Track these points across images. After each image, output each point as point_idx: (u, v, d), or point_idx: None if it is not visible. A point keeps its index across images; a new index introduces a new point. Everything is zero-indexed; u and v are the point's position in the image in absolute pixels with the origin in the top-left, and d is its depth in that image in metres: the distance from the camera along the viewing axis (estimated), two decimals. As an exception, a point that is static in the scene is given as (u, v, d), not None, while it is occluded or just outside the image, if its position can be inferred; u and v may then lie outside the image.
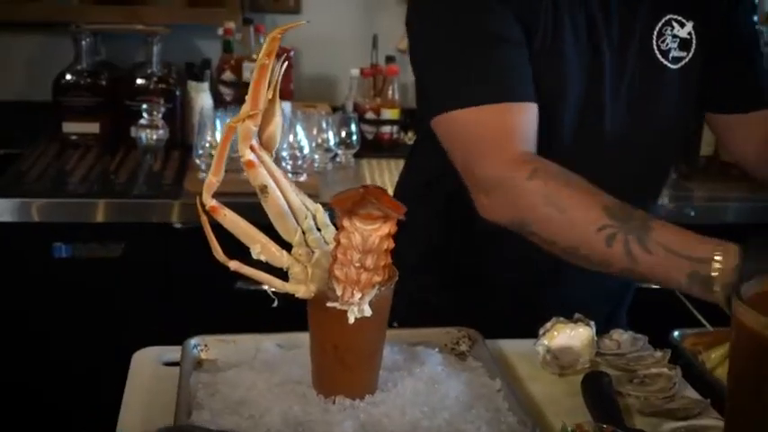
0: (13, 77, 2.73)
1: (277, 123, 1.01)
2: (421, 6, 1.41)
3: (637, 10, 1.44)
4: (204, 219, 0.98)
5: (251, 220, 1.00)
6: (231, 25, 2.57)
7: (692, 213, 2.33)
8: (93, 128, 2.49)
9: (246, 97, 0.96)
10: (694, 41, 1.47)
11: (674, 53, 1.46)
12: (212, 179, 0.98)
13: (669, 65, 1.46)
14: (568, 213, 1.21)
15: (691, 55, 1.47)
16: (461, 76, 1.34)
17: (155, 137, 2.38)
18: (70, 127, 2.49)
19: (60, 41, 2.60)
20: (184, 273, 2.14)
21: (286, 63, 0.97)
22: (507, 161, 1.27)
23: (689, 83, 1.49)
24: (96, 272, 2.17)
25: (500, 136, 1.30)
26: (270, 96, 0.98)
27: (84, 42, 2.49)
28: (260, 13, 2.73)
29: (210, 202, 0.98)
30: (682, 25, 1.46)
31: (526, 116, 1.32)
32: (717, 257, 1.12)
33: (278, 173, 1.01)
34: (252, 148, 0.98)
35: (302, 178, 2.19)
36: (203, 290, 2.09)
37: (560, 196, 1.22)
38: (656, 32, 1.45)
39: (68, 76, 2.49)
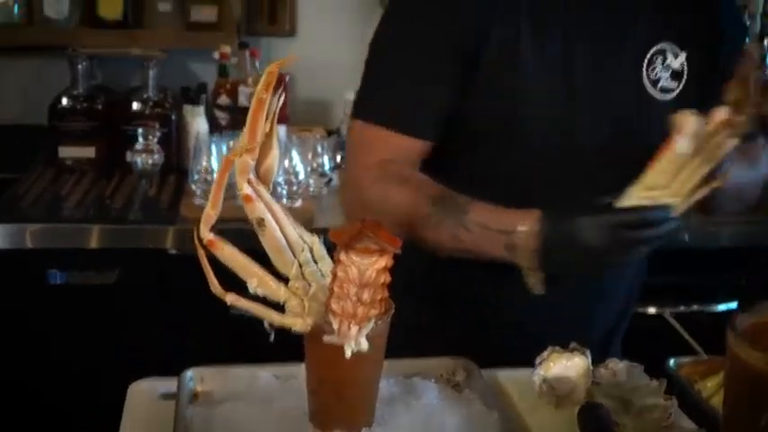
0: (10, 101, 2.72)
1: (274, 156, 1.01)
2: (382, 18, 1.46)
3: (627, 33, 1.44)
4: (201, 252, 0.98)
5: (247, 246, 1.01)
6: (227, 49, 2.58)
7: (686, 238, 2.33)
8: (88, 152, 2.49)
9: (244, 130, 0.97)
10: (686, 73, 1.46)
11: (663, 83, 1.44)
12: (210, 212, 0.98)
13: (658, 95, 1.44)
14: (401, 208, 1.33)
15: (681, 86, 1.45)
16: (378, 93, 1.44)
17: (150, 161, 2.38)
18: (66, 151, 2.49)
19: (57, 65, 2.60)
20: (179, 299, 2.14)
21: (283, 96, 0.97)
22: (363, 165, 1.40)
23: None
24: (91, 298, 2.17)
25: (374, 153, 1.40)
26: (267, 129, 0.98)
27: (80, 67, 2.49)
28: (255, 37, 2.74)
29: (208, 236, 0.98)
30: (675, 55, 1.45)
31: (410, 150, 1.41)
32: (520, 228, 1.26)
33: (275, 206, 1.01)
34: (249, 182, 0.98)
35: (298, 203, 2.19)
36: (199, 316, 2.09)
37: (393, 194, 1.35)
38: (646, 60, 1.44)
39: (65, 101, 2.49)
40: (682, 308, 2.31)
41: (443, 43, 1.38)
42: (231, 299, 0.99)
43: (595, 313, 1.55)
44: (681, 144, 1.20)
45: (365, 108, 1.43)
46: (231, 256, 1.00)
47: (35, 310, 2.18)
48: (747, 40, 1.67)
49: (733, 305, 2.37)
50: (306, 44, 2.76)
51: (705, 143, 1.20)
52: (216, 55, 2.59)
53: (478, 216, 1.29)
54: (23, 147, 2.58)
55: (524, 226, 1.25)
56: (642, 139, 1.40)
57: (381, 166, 1.38)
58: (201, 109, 2.51)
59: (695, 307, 2.35)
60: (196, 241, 0.98)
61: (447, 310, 1.54)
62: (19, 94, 2.73)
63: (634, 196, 1.23)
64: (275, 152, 1.01)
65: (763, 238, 2.39)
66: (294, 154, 2.22)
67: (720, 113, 1.21)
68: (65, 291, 2.16)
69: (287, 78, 2.63)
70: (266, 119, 0.97)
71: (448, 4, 1.39)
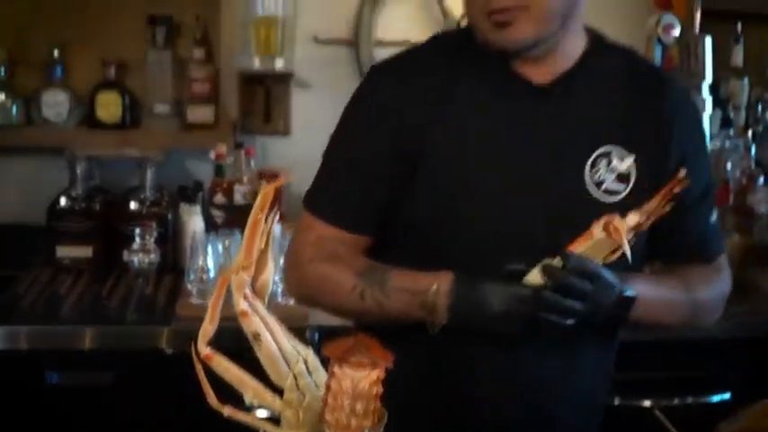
0: (9, 201, 2.76)
1: (269, 271, 1.05)
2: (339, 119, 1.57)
3: (571, 135, 1.47)
4: (199, 366, 1.01)
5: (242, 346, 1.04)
6: (223, 149, 2.63)
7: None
8: (86, 252, 2.52)
9: (240, 248, 1.01)
10: (634, 176, 1.47)
11: (608, 185, 1.46)
12: (207, 327, 1.02)
13: (601, 197, 1.46)
14: (332, 284, 1.46)
15: (628, 190, 1.46)
16: (323, 188, 1.55)
17: (147, 261, 2.42)
18: (64, 251, 2.52)
19: (55, 166, 2.65)
20: (176, 398, 2.14)
21: (278, 215, 1.02)
22: (301, 243, 1.52)
23: None
24: (87, 400, 2.17)
25: (306, 237, 1.52)
26: (262, 246, 1.02)
27: (79, 168, 2.54)
28: (251, 136, 2.80)
29: (205, 350, 1.02)
30: (622, 158, 1.47)
31: (348, 243, 1.50)
32: (433, 287, 1.38)
33: (270, 319, 1.05)
34: (246, 297, 1.02)
35: (292, 301, 2.21)
36: (195, 416, 2.09)
37: (325, 270, 1.48)
38: (589, 162, 1.46)
39: (63, 202, 2.54)
40: (675, 401, 2.32)
41: (383, 145, 1.48)
42: (228, 411, 1.02)
43: (555, 413, 1.54)
44: (598, 231, 1.31)
45: (311, 200, 1.55)
46: (227, 369, 1.03)
47: (32, 411, 2.18)
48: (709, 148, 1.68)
49: (726, 396, 2.38)
50: (300, 143, 2.82)
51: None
52: (212, 154, 2.64)
53: (398, 281, 1.42)
54: (22, 246, 2.61)
55: (437, 285, 1.38)
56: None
57: (317, 244, 1.49)
58: (198, 208, 2.56)
59: (689, 399, 2.35)
60: (194, 355, 1.01)
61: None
62: (18, 193, 2.77)
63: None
64: (270, 268, 1.05)
65: (754, 328, 2.41)
66: (289, 252, 2.25)
67: (634, 218, 1.30)
68: (62, 392, 2.16)
69: (282, 179, 2.68)
70: (261, 236, 1.01)
71: (386, 109, 1.49)
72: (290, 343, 1.05)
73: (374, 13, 2.86)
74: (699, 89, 2.51)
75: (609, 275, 1.35)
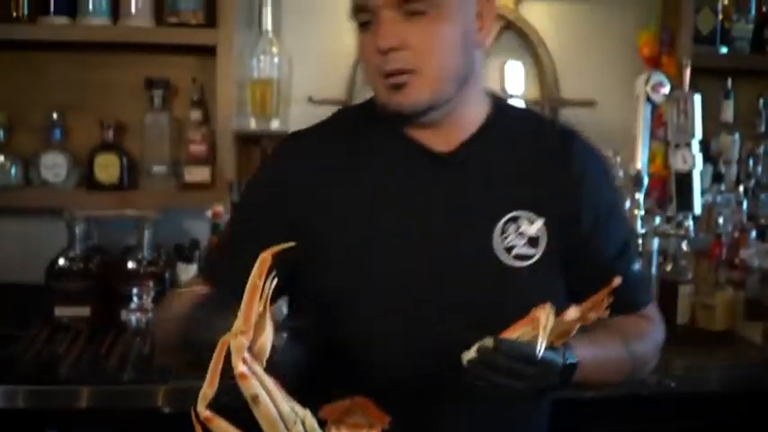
0: (8, 261, 2.78)
1: (267, 335, 1.08)
2: None
3: (478, 203, 1.47)
4: (198, 429, 1.03)
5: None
6: (220, 208, 2.65)
7: (673, 384, 2.36)
8: (84, 311, 2.54)
9: (239, 313, 1.03)
10: (544, 239, 1.47)
11: (519, 250, 1.45)
12: (207, 390, 1.04)
13: (512, 262, 1.45)
14: (170, 316, 1.41)
15: (540, 253, 1.46)
16: (216, 252, 1.63)
17: (144, 320, 2.44)
18: (62, 311, 2.53)
19: (54, 227, 2.67)
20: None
21: (275, 280, 1.04)
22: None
23: (540, 282, 1.47)
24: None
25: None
26: (261, 310, 1.05)
27: (77, 228, 2.57)
28: (247, 195, 2.83)
29: (205, 413, 1.04)
30: (531, 222, 1.46)
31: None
32: None
33: (268, 381, 1.07)
34: (244, 361, 1.04)
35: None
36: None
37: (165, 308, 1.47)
38: (497, 228, 1.45)
39: (61, 262, 2.56)
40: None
41: (274, 219, 1.48)
42: (227, 473, 1.04)
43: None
44: (542, 315, 1.25)
45: (204, 265, 1.63)
46: (227, 431, 1.05)
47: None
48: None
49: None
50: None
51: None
52: (209, 214, 2.66)
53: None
54: (21, 305, 2.62)
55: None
56: (495, 303, 1.43)
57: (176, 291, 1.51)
58: (194, 266, 2.58)
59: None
60: (193, 418, 1.03)
61: None
62: (17, 253, 2.78)
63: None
64: (269, 331, 1.07)
65: (748, 381, 2.42)
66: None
67: (572, 313, 1.25)
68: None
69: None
70: (259, 300, 1.04)
71: (283, 185, 1.49)
72: (287, 404, 1.07)
73: (368, 75, 2.90)
74: (689, 146, 2.54)
75: (550, 355, 1.28)
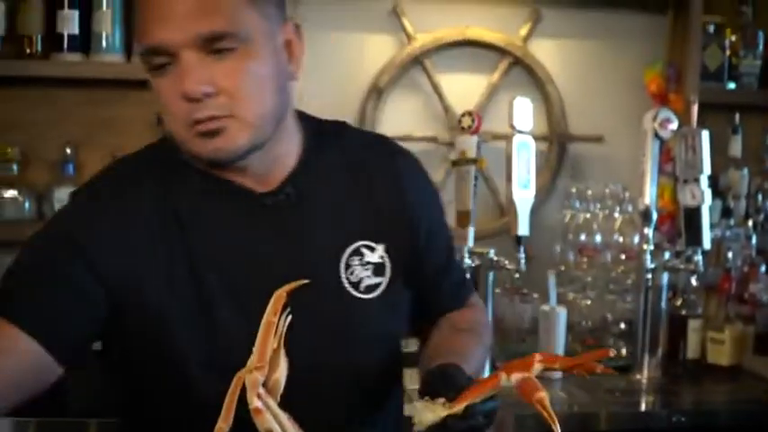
0: None
1: (282, 371, 1.09)
2: None
3: (312, 241, 1.39)
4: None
5: None
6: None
7: (683, 419, 2.36)
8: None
9: (254, 350, 1.05)
10: (388, 264, 1.43)
11: (367, 281, 1.41)
12: (222, 425, 1.06)
13: (363, 295, 1.41)
14: None
15: (387, 279, 1.43)
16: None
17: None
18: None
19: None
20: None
21: (289, 318, 1.06)
22: None
23: (391, 306, 1.45)
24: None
25: None
26: (275, 346, 1.07)
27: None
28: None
29: (219, 448, 1.05)
30: (372, 250, 1.42)
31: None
32: None
33: (283, 416, 1.09)
34: (259, 396, 1.06)
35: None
36: None
37: None
38: (342, 263, 1.40)
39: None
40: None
41: (77, 266, 1.32)
42: None
43: None
44: (503, 379, 1.19)
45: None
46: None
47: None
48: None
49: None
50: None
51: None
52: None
53: None
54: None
55: None
56: (353, 338, 1.40)
57: None
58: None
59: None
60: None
61: None
62: None
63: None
64: (283, 367, 1.09)
65: (758, 417, 2.42)
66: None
67: (538, 367, 1.17)
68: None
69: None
70: (274, 337, 1.05)
71: (78, 243, 1.33)
72: (301, 439, 1.09)
73: (377, 109, 2.94)
74: (697, 182, 2.55)
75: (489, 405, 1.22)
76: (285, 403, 1.12)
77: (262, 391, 1.06)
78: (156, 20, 1.25)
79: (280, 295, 1.04)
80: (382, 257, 1.43)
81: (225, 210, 1.37)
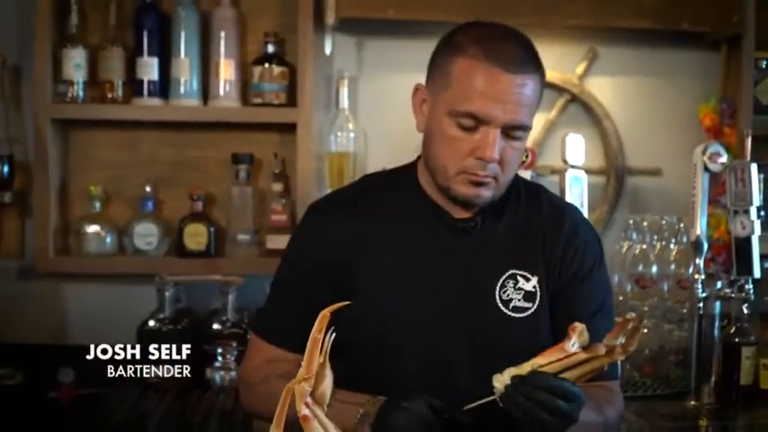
0: (102, 323, 2.91)
1: (328, 383, 1.22)
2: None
3: (481, 264, 1.71)
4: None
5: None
6: (297, 273, 2.81)
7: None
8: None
9: (302, 363, 1.18)
10: (539, 294, 1.69)
11: (516, 303, 1.68)
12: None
13: (510, 314, 1.68)
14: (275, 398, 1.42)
15: (536, 306, 1.70)
16: (263, 312, 1.83)
17: (228, 378, 2.61)
18: (151, 370, 2.69)
19: (145, 291, 2.85)
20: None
21: (334, 335, 1.19)
22: (251, 367, 1.76)
23: (536, 332, 1.70)
24: None
25: (258, 357, 1.75)
26: (321, 361, 1.20)
27: (167, 293, 2.76)
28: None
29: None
30: (527, 279, 1.69)
31: (283, 357, 1.72)
32: (368, 403, 1.55)
33: (329, 424, 1.21)
34: (307, 405, 1.19)
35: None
36: None
37: (275, 387, 1.45)
38: (498, 284, 1.69)
39: (152, 323, 2.75)
40: None
41: (311, 278, 1.72)
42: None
43: None
44: (569, 343, 1.44)
45: (259, 325, 1.83)
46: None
47: None
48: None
49: None
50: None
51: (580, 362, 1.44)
52: (288, 277, 2.82)
53: (340, 395, 1.46)
54: (113, 366, 2.78)
55: (368, 404, 1.56)
56: (498, 351, 1.64)
57: (268, 364, 1.66)
58: (275, 328, 2.73)
59: None
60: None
61: None
62: (111, 316, 2.92)
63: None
64: (329, 380, 1.22)
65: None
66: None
67: (600, 348, 1.44)
68: None
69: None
70: (320, 352, 1.19)
71: (314, 248, 1.74)
72: (346, 445, 1.21)
73: (439, 147, 3.06)
74: (747, 213, 2.62)
75: (580, 393, 1.47)
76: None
77: (309, 400, 1.19)
78: (491, 98, 1.61)
79: (324, 315, 1.17)
80: (535, 287, 1.71)
81: (424, 227, 1.73)
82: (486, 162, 1.63)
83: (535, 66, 1.65)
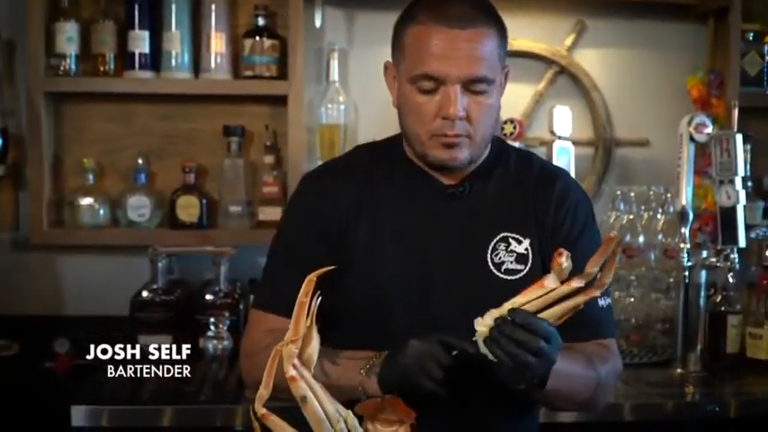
0: (96, 294, 2.97)
1: (314, 345, 1.26)
2: None
3: (473, 227, 1.72)
4: (256, 425, 1.22)
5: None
6: (290, 244, 2.84)
7: (717, 409, 2.45)
8: (166, 340, 2.72)
9: (289, 326, 1.22)
10: (531, 256, 1.71)
11: (508, 266, 1.70)
12: (263, 391, 1.23)
13: (502, 276, 1.70)
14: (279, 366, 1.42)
15: (527, 268, 1.71)
16: (261, 284, 1.81)
17: (220, 347, 2.64)
18: (145, 339, 2.69)
19: (138, 262, 2.88)
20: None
21: (320, 299, 1.23)
22: (252, 338, 1.73)
23: None
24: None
25: (260, 329, 1.71)
26: (308, 324, 1.23)
27: (160, 264, 2.79)
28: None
29: (261, 411, 1.22)
30: (519, 242, 1.71)
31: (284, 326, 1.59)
32: (374, 358, 1.54)
33: (315, 385, 1.26)
34: (294, 366, 1.22)
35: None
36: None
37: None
38: (490, 247, 1.71)
39: (145, 294, 2.78)
40: None
41: (311, 245, 1.72)
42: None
43: None
44: (549, 280, 1.46)
45: (259, 297, 1.80)
46: (281, 428, 1.23)
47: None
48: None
49: None
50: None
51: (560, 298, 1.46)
52: (280, 249, 2.85)
53: (345, 353, 1.57)
54: (106, 336, 2.81)
55: (374, 357, 1.55)
56: (487, 308, 1.57)
57: (270, 333, 1.62)
58: (267, 299, 2.77)
59: None
60: (251, 414, 1.22)
61: None
62: (104, 287, 2.96)
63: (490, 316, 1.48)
64: (315, 342, 1.25)
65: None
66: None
67: (579, 280, 1.45)
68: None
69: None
70: (307, 317, 1.22)
71: (311, 214, 1.74)
72: (332, 405, 1.25)
73: (429, 118, 3.08)
74: (732, 183, 2.65)
75: (557, 334, 1.48)
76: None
77: (297, 362, 1.22)
78: (441, 57, 1.62)
79: (311, 279, 1.20)
80: (527, 249, 1.72)
81: (416, 194, 1.75)
82: (451, 119, 1.64)
83: (485, 19, 1.65)
